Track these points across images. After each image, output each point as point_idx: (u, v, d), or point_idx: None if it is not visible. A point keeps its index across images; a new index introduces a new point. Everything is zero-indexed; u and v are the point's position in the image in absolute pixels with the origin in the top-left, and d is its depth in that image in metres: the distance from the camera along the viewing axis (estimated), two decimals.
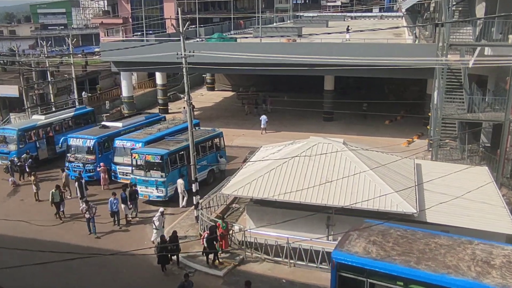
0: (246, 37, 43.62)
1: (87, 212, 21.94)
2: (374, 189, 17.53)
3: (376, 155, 20.52)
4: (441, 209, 16.96)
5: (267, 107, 43.26)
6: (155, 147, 25.53)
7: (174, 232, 19.18)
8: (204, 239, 18.87)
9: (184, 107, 40.06)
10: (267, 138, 35.23)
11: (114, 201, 22.61)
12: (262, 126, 38.13)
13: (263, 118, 38.49)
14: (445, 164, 22.33)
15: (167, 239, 19.04)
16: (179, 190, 24.80)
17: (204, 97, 50.98)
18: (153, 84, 49.51)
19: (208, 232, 18.98)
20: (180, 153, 25.74)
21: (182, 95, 49.39)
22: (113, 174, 27.55)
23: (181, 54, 21.42)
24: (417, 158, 22.53)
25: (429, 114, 32.21)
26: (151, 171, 24.72)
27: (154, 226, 20.48)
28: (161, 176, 24.54)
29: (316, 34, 28.44)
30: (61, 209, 23.75)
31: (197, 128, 29.33)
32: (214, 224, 19.57)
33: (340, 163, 18.96)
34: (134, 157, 25.14)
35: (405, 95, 45.52)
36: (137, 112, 37.55)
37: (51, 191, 23.72)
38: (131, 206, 23.47)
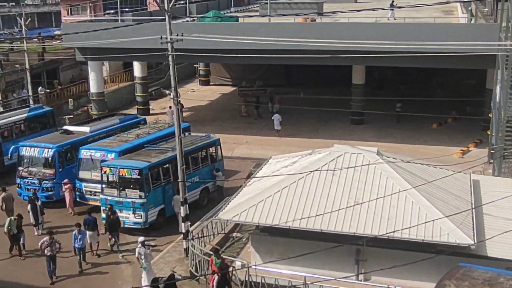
0: (251, 16, 43.76)
1: (48, 248, 21.42)
2: (418, 213, 17.42)
3: (421, 169, 20.43)
4: (506, 240, 16.83)
5: (274, 107, 43.36)
6: (132, 159, 25.62)
7: (171, 276, 18.88)
8: (214, 283, 18.64)
9: (170, 107, 40.17)
10: (278, 147, 35.29)
11: (79, 236, 22.29)
12: (276, 128, 38.27)
13: (276, 117, 38.58)
14: (511, 180, 22.21)
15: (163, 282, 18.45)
16: (175, 210, 24.91)
17: (196, 94, 51.14)
18: (130, 77, 49.76)
19: (218, 272, 18.63)
20: (165, 166, 25.76)
21: (167, 91, 49.40)
22: (77, 193, 27.62)
23: (167, 38, 21.45)
24: (475, 173, 22.40)
25: (490, 115, 32.09)
26: (126, 189, 24.77)
27: (140, 264, 20.37)
28: (140, 197, 24.58)
29: (342, 12, 28.47)
30: (21, 242, 23.57)
31: (186, 134, 29.38)
32: (226, 264, 19.27)
33: (373, 179, 18.87)
34: (105, 172, 25.20)
35: (458, 91, 45.45)
36: (109, 114, 37.70)
37: (8, 219, 23.65)
38: (112, 240, 23.53)
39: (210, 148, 28.95)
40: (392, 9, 41.73)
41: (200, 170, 27.67)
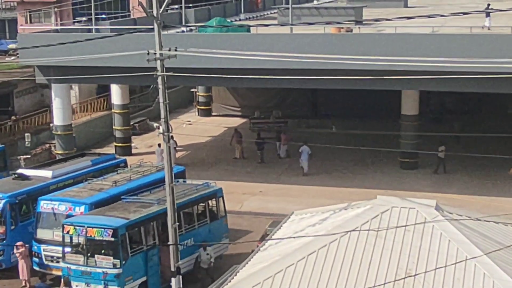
0: (267, 25, 44.05)
1: None
2: None
3: (495, 228, 20.19)
4: None
5: (280, 148, 43.29)
6: (105, 215, 25.56)
7: None
8: None
9: (159, 145, 40.19)
10: (303, 199, 35.19)
11: None
12: (302, 165, 38.72)
13: (305, 150, 38.95)
14: None
15: None
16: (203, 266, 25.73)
17: (193, 127, 51.29)
18: (106, 105, 50.01)
19: None
20: (148, 225, 25.70)
21: (155, 124, 49.62)
22: (35, 259, 27.46)
23: (155, 53, 21.60)
24: None
25: None
26: (96, 256, 24.64)
27: None
28: (114, 266, 24.41)
29: (388, 20, 28.59)
30: None
31: (180, 181, 29.41)
32: None
33: (430, 243, 18.66)
34: (68, 231, 25.10)
35: None
36: (79, 153, 37.83)
37: None
38: None
39: (210, 201, 28.84)
40: (489, 15, 41.66)
41: (196, 231, 27.58)
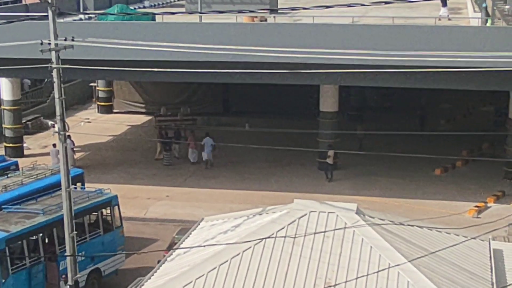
0: (173, 13, 43.78)
1: None
2: None
3: (419, 234, 20.52)
4: None
5: (175, 150, 42.98)
6: None
7: None
8: None
9: (54, 145, 39.56)
10: (213, 203, 35.17)
11: None
12: (205, 158, 39.08)
13: (208, 142, 39.30)
14: None
15: None
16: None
17: (93, 126, 50.76)
18: None
19: None
20: (32, 238, 25.34)
21: (50, 122, 48.84)
22: None
23: (49, 43, 21.28)
24: (496, 239, 22.62)
25: None
26: None
27: None
28: None
29: (305, 9, 28.72)
30: None
31: (76, 186, 29.07)
32: None
33: (351, 250, 18.84)
34: None
35: (470, 122, 46.48)
36: None
37: None
38: None
39: (104, 210, 28.52)
40: (445, 4, 42.15)
41: (88, 243, 27.20)
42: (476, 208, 34.27)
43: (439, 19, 40.86)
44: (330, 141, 39.34)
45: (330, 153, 38.99)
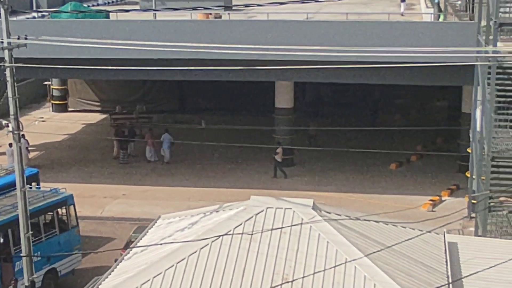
0: (127, 11, 43.59)
1: None
2: None
3: (375, 228, 20.60)
4: None
5: (130, 149, 42.86)
6: None
7: None
8: None
9: (10, 144, 39.16)
10: (170, 201, 35.12)
11: None
12: (163, 154, 39.09)
13: (166, 137, 39.32)
14: (501, 242, 22.69)
15: None
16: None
17: (47, 125, 50.28)
18: None
19: None
20: None
21: (4, 122, 48.14)
22: None
23: (2, 41, 21.13)
24: (450, 232, 22.84)
25: (469, 150, 33.08)
26: None
27: None
28: None
29: (259, 5, 28.78)
30: None
31: (31, 186, 28.78)
32: None
33: (308, 245, 18.86)
34: None
35: (424, 117, 46.84)
36: None
37: None
38: None
39: (59, 210, 28.29)
40: (404, 1, 42.31)
41: (44, 243, 26.97)
42: (431, 202, 34.64)
43: (402, 15, 41.30)
44: (280, 137, 39.55)
45: (279, 150, 39.07)
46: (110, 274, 19.99)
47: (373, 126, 43.58)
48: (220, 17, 39.49)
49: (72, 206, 28.74)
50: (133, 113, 48.38)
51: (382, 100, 49.76)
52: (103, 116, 51.63)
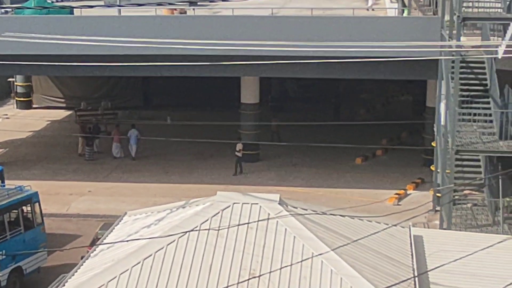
0: (92, 7, 43.31)
1: None
2: (341, 286, 17.62)
3: (341, 222, 20.66)
4: None
5: (96, 146, 42.59)
6: None
7: None
8: None
9: None
10: (136, 197, 35.05)
11: None
12: (130, 150, 39.13)
13: (133, 133, 39.49)
14: (466, 234, 22.90)
15: None
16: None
17: (11, 122, 49.92)
18: None
19: None
20: None
21: None
22: None
23: None
24: (416, 226, 22.95)
25: (433, 144, 33.33)
26: None
27: None
28: None
29: (224, 1, 28.79)
30: None
31: None
32: None
33: (275, 240, 18.87)
34: None
35: (388, 111, 47.09)
36: None
37: None
38: None
39: (24, 207, 28.08)
40: None
41: (8, 242, 26.71)
42: (396, 196, 34.89)
43: (372, 9, 41.44)
44: (245, 132, 39.60)
45: (239, 146, 39.12)
46: (76, 271, 19.89)
47: (337, 121, 43.72)
48: (185, 12, 39.41)
49: (37, 204, 28.50)
50: (98, 109, 48.12)
51: (347, 95, 50.02)
52: (68, 112, 51.34)
